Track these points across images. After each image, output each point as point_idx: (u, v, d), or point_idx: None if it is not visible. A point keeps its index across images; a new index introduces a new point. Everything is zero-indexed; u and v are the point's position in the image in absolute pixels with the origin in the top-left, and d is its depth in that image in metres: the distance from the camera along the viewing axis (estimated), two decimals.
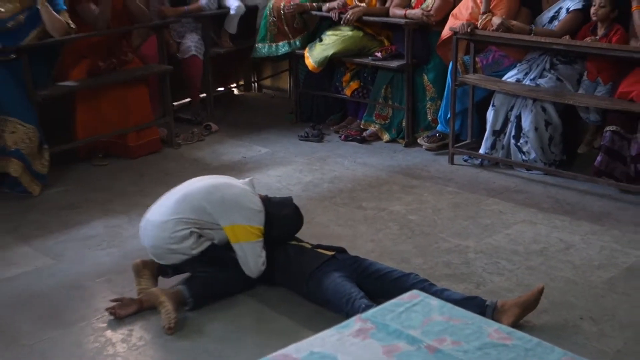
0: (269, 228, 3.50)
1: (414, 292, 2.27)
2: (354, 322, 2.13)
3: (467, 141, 5.29)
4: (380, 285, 3.31)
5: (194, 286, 3.38)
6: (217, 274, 3.44)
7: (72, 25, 5.06)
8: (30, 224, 4.38)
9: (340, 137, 5.85)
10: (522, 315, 3.15)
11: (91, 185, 4.99)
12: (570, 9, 4.89)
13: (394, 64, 5.50)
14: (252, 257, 3.41)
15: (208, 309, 3.37)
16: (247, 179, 3.65)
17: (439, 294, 3.04)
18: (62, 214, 4.51)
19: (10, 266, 3.87)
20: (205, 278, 3.42)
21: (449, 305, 2.15)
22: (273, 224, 3.52)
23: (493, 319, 2.86)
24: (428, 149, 5.48)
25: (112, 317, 3.30)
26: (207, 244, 3.45)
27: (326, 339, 2.05)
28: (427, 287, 3.17)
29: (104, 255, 3.98)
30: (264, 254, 3.45)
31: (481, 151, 5.11)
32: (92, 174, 5.22)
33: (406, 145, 5.62)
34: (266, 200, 3.58)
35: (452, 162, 5.23)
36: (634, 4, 4.50)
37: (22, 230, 4.30)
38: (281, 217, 3.57)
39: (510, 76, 5.02)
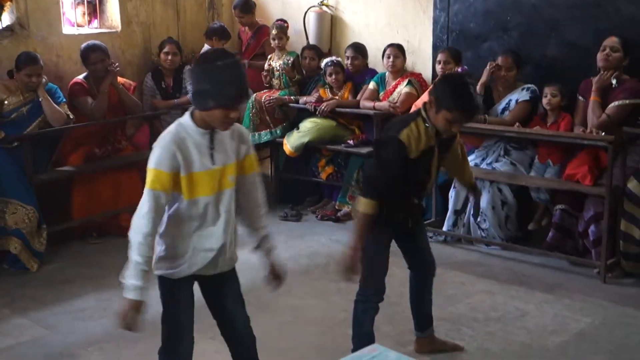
0: None
1: (374, 345, 2.34)
2: None
3: (432, 219, 5.39)
4: None
5: None
6: None
7: (71, 116, 5.23)
8: (27, 298, 4.41)
9: (317, 217, 5.93)
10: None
11: (85, 262, 5.03)
12: (519, 100, 5.12)
13: (365, 150, 5.63)
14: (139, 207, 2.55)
15: None
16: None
17: None
18: (57, 288, 4.54)
19: (6, 337, 3.91)
20: None
21: (405, 357, 2.21)
22: None
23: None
24: None
25: None
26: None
27: None
28: None
29: (96, 326, 4.00)
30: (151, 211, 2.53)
31: (444, 228, 5.22)
32: (87, 251, 5.26)
33: None
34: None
35: None
36: (593, 95, 4.66)
37: (19, 303, 4.34)
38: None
39: (469, 161, 5.17)
